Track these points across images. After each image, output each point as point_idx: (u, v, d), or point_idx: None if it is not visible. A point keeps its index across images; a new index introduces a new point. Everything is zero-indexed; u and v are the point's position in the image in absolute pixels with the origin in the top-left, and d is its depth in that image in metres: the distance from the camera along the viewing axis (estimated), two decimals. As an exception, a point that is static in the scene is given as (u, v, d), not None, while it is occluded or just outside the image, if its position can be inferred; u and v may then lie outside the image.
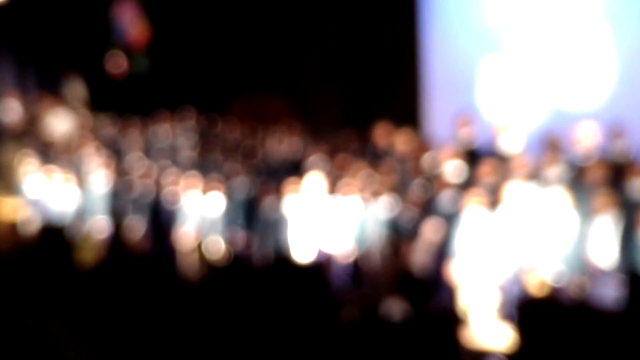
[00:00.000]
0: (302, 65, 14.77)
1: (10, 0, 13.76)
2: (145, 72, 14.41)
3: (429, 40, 13.62)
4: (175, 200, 11.62)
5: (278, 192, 10.85)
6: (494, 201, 9.72)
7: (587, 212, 9.23)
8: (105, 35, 14.44)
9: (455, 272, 9.62)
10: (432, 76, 13.58)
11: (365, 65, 14.54)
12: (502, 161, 10.32)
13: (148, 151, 13.19)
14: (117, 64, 14.52)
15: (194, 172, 11.80)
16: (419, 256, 9.35)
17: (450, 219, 9.69)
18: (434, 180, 9.97)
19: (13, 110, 15.65)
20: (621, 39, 11.85)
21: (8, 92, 16.06)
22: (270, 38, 15.24)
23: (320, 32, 14.49)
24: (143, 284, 7.72)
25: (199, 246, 10.90)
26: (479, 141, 10.88)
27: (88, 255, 10.38)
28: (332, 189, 10.57)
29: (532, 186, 9.65)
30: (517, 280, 9.28)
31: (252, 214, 11.00)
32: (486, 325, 9.45)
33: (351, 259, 10.06)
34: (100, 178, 12.49)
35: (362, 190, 10.34)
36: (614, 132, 9.99)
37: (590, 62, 12.15)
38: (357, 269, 9.87)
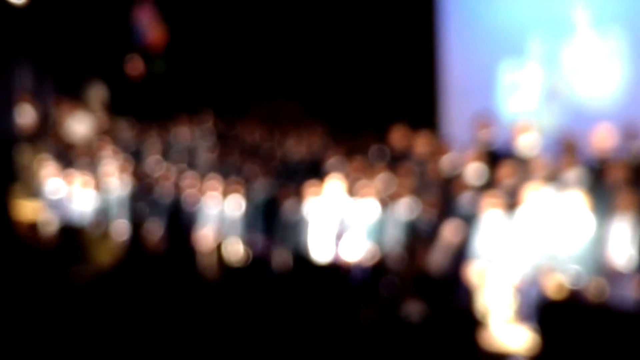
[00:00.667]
0: (320, 68, 14.85)
1: (29, 2, 13.85)
2: (162, 75, 14.55)
3: (447, 43, 13.70)
4: (194, 202, 11.71)
5: (297, 195, 10.93)
6: (512, 203, 9.76)
7: (605, 213, 9.26)
8: (124, 39, 14.57)
9: (474, 273, 9.66)
10: (451, 79, 13.66)
11: (383, 68, 14.61)
12: (521, 163, 10.36)
13: (167, 154, 13.29)
14: (135, 66, 14.66)
15: (213, 175, 11.88)
16: (438, 258, 9.40)
17: (469, 221, 9.74)
18: (452, 183, 10.00)
19: (31, 114, 15.79)
20: (634, 41, 11.96)
21: (26, 96, 16.19)
22: (288, 41, 15.33)
23: (338, 36, 14.57)
24: (162, 286, 7.79)
25: (219, 248, 10.97)
26: (497, 143, 10.93)
27: (106, 257, 10.49)
28: (351, 191, 10.63)
29: (550, 188, 9.70)
30: (535, 282, 9.32)
31: (272, 216, 11.07)
32: (505, 327, 9.48)
33: (370, 261, 10.13)
34: (119, 181, 12.60)
35: (380, 192, 10.41)
36: (630, 133, 10.05)
37: (605, 64, 12.25)
38: (376, 270, 9.92)
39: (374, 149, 11.63)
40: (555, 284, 9.11)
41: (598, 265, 9.11)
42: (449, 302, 9.72)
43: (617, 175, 9.42)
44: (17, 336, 4.69)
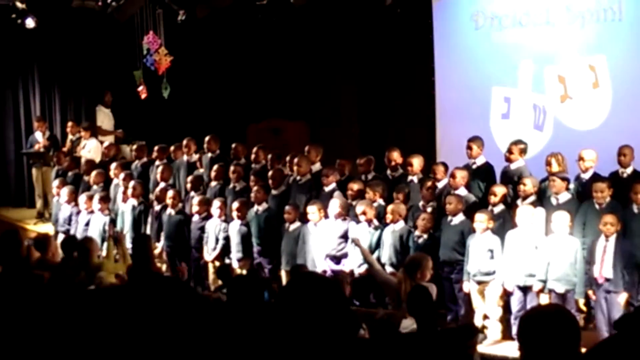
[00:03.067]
0: (322, 92, 14.96)
1: (38, 27, 14.05)
2: (167, 98, 14.61)
3: (441, 71, 13.97)
4: (199, 224, 11.84)
5: (298, 216, 11.12)
6: (504, 221, 9.98)
7: (592, 231, 9.49)
8: (130, 64, 14.71)
9: (470, 288, 9.87)
10: (445, 105, 13.93)
11: (381, 93, 14.75)
12: (512, 183, 10.58)
13: (173, 177, 13.35)
14: (141, 91, 14.76)
15: (217, 197, 12.01)
16: (433, 274, 9.57)
17: (463, 239, 9.96)
18: (447, 203, 10.20)
19: (43, 138, 15.93)
20: (615, 68, 12.25)
21: (37, 121, 16.36)
22: (290, 67, 15.47)
23: (339, 63, 14.68)
24: (167, 305, 7.96)
25: (222, 268, 11.11)
26: (489, 165, 11.16)
27: (113, 276, 10.61)
28: (350, 212, 10.82)
29: (540, 206, 9.92)
30: (528, 296, 9.54)
31: (274, 237, 11.29)
32: (499, 340, 9.70)
33: (367, 278, 10.30)
34: (126, 204, 12.72)
35: (377, 212, 10.61)
36: (617, 152, 10.31)
37: (590, 88, 12.55)
38: (374, 287, 10.09)
39: (372, 170, 11.73)
40: (547, 297, 9.36)
41: (586, 280, 9.35)
42: (445, 316, 9.94)
43: (604, 193, 9.67)
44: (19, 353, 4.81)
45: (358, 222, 10.58)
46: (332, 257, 10.72)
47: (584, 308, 9.72)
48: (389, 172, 11.67)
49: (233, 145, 13.07)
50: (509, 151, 10.93)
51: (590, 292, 9.40)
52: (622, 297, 9.16)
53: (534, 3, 12.95)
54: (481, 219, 9.77)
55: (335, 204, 10.80)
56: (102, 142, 15.41)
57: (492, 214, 9.95)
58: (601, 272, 9.25)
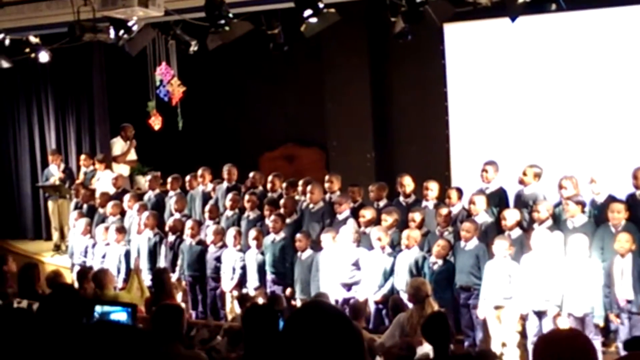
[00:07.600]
0: (336, 118, 14.97)
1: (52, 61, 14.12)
2: (182, 129, 14.65)
3: (453, 95, 13.99)
4: (215, 254, 11.82)
5: (313, 243, 11.10)
6: (522, 246, 9.92)
7: (611, 254, 9.42)
8: (144, 94, 14.76)
9: (486, 314, 9.81)
10: (458, 130, 13.92)
11: (396, 118, 14.74)
12: (527, 207, 10.53)
13: (189, 207, 13.35)
14: (153, 122, 14.82)
15: (232, 226, 12.01)
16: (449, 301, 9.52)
17: (479, 263, 9.91)
18: (465, 231, 10.14)
19: (58, 171, 15.99)
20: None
21: (52, 154, 16.42)
22: (303, 94, 15.51)
23: (353, 89, 14.70)
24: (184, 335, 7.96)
25: (239, 297, 11.08)
26: (504, 190, 11.11)
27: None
28: (365, 238, 10.77)
29: (556, 228, 9.86)
30: (543, 321, 9.48)
31: (289, 265, 11.26)
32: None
33: (383, 305, 10.27)
34: (142, 235, 12.72)
35: (392, 239, 10.56)
36: (632, 175, 10.22)
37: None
38: (389, 314, 10.05)
39: (386, 197, 11.69)
40: (564, 321, 9.29)
41: (605, 302, 9.28)
42: (462, 343, 9.88)
43: (620, 215, 9.61)
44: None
45: (371, 249, 10.55)
46: (345, 284, 10.70)
47: (603, 331, 9.63)
48: (402, 198, 11.61)
49: (250, 174, 13.06)
50: (524, 174, 10.87)
51: (612, 316, 9.32)
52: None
53: (542, 27, 12.95)
54: (501, 246, 9.71)
55: (347, 231, 10.78)
56: (120, 173, 15.39)
57: (510, 239, 9.89)
58: (622, 293, 9.18)
